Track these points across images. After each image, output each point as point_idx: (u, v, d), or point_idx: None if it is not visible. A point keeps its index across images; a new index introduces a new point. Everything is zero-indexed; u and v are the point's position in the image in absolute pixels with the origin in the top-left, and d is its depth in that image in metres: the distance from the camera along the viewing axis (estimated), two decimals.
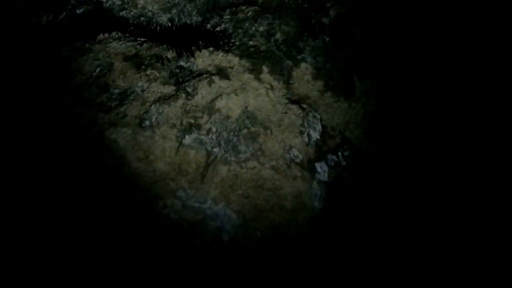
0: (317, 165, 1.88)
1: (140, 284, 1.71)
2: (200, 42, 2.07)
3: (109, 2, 2.15)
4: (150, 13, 2.15)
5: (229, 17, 2.17)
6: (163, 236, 1.72)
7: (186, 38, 2.10)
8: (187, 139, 1.84)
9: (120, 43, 2.05)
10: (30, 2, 2.08)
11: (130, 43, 2.06)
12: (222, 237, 1.74)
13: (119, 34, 2.08)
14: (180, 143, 1.83)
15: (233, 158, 1.83)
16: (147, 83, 1.94)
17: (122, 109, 1.88)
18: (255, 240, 1.75)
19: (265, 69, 1.99)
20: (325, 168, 1.89)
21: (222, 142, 1.84)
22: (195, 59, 2.03)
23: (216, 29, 2.14)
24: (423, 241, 1.89)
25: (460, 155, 1.99)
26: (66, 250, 1.70)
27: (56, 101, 1.88)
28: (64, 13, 2.11)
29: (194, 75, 1.98)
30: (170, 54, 2.03)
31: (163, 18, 2.16)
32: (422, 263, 1.88)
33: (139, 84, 1.93)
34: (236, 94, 1.91)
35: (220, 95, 1.91)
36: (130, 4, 2.15)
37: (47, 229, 1.71)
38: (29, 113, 1.85)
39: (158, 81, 1.95)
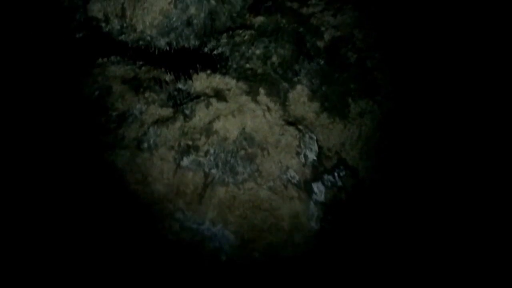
0: (314, 185, 1.93)
1: None
2: (198, 65, 2.14)
3: (109, 26, 2.23)
4: (148, 37, 2.23)
5: (226, 40, 2.25)
6: (161, 257, 1.75)
7: (184, 61, 2.17)
8: (185, 161, 1.88)
9: (119, 66, 2.12)
10: (30, 24, 2.16)
11: (128, 67, 2.13)
12: (220, 258, 1.77)
13: (118, 57, 2.16)
14: (178, 165, 1.87)
15: (230, 179, 1.87)
16: (146, 106, 2.00)
17: (120, 131, 1.93)
18: (253, 260, 1.78)
19: (262, 91, 2.06)
20: (322, 188, 1.94)
21: (219, 164, 1.89)
22: (192, 81, 2.09)
23: (213, 52, 2.22)
24: (421, 262, 1.93)
25: (455, 173, 2.05)
26: (63, 271, 1.73)
27: (55, 122, 1.94)
28: (64, 37, 2.19)
29: (192, 97, 2.04)
30: (168, 77, 2.10)
31: (162, 42, 2.24)
32: (420, 284, 1.92)
33: (137, 107, 1.99)
34: (234, 116, 1.96)
35: (218, 117, 1.96)
36: (129, 28, 2.23)
37: (42, 251, 1.75)
38: (27, 134, 1.90)
39: (156, 103, 2.01)
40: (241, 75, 2.10)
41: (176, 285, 1.76)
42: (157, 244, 1.75)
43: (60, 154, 1.85)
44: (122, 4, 2.25)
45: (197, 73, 2.11)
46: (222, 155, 1.90)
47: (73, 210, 1.77)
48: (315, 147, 2.00)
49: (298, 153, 1.95)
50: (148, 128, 1.93)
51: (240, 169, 1.89)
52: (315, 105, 2.08)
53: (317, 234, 1.86)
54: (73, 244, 1.74)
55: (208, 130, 1.94)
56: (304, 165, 1.94)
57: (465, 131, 2.12)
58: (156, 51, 2.23)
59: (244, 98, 2.02)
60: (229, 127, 1.95)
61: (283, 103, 2.06)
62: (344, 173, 1.99)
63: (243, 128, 1.95)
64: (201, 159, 1.89)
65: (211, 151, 1.90)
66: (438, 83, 2.20)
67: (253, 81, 2.08)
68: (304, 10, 2.32)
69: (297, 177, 1.92)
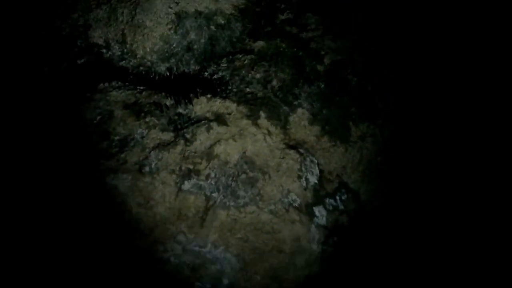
0: (315, 209, 2.04)
1: None
2: (198, 90, 2.26)
3: (109, 52, 2.40)
4: (149, 63, 2.40)
5: (226, 65, 2.39)
6: (163, 280, 1.87)
7: (184, 86, 2.29)
8: (186, 185, 2.00)
9: (120, 91, 2.27)
10: (34, 52, 2.34)
11: (129, 92, 2.28)
12: (222, 281, 1.87)
13: (119, 83, 2.30)
14: (180, 189, 1.99)
15: (232, 203, 1.98)
16: (147, 130, 2.13)
17: (122, 155, 2.06)
18: (255, 283, 1.88)
19: (262, 115, 2.18)
20: (323, 212, 2.04)
21: (221, 187, 2.01)
22: (193, 106, 2.21)
23: (214, 77, 2.36)
24: (424, 284, 2.04)
25: (456, 197, 2.18)
26: None
27: (57, 147, 2.08)
28: (66, 63, 2.36)
29: (193, 121, 2.16)
30: (168, 102, 2.22)
31: (162, 67, 2.40)
32: None
33: (138, 131, 2.13)
34: (234, 140, 2.08)
35: (219, 141, 2.07)
36: (129, 54, 2.39)
37: (47, 274, 1.86)
38: (30, 158, 2.04)
39: (157, 128, 2.14)
40: (242, 99, 2.23)
41: None
42: (160, 267, 1.87)
43: (63, 179, 1.99)
44: (123, 30, 2.42)
45: (198, 97, 2.24)
46: (223, 178, 2.02)
47: (77, 234, 1.90)
48: (316, 171, 2.11)
49: (299, 177, 2.07)
50: (150, 152, 2.07)
51: (241, 192, 2.00)
52: (316, 129, 2.20)
53: (319, 257, 1.96)
54: (76, 266, 1.86)
55: (209, 154, 2.06)
56: (305, 188, 2.06)
57: (466, 154, 2.26)
58: (157, 76, 2.38)
59: (245, 122, 2.15)
60: (230, 151, 2.07)
61: (284, 126, 2.18)
62: (345, 196, 2.11)
63: (244, 152, 2.07)
64: (202, 182, 2.01)
65: (212, 175, 2.03)
66: (439, 106, 2.35)
67: (253, 104, 2.21)
68: (304, 34, 2.47)
69: (299, 201, 2.03)
